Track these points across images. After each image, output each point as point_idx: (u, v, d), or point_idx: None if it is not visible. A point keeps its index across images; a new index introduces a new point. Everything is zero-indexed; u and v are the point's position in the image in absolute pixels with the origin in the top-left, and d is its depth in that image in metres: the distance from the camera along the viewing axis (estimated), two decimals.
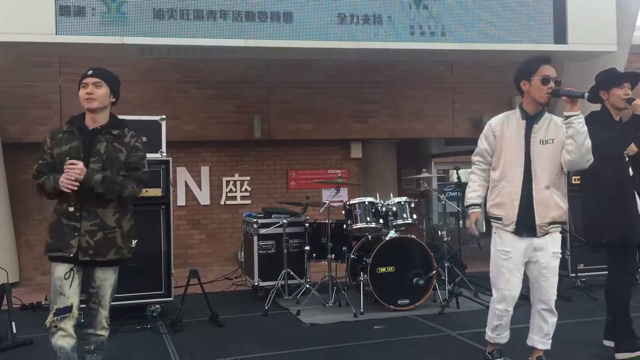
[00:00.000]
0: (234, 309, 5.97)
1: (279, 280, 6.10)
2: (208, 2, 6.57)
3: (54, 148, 3.31)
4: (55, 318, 3.18)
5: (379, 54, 7.46)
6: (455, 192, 11.99)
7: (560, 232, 3.77)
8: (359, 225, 5.86)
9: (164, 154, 5.68)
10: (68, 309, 3.20)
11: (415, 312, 5.60)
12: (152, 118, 5.77)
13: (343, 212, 6.13)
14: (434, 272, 5.76)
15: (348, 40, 6.87)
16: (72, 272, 3.23)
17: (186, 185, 8.75)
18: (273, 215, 6.61)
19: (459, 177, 6.88)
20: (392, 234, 5.84)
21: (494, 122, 3.81)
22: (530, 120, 3.70)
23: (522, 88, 3.77)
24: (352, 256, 6.06)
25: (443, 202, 6.63)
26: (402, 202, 5.99)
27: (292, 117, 8.70)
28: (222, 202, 8.88)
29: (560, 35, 7.28)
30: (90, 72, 3.38)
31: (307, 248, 6.18)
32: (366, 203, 5.91)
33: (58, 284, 3.20)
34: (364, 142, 9.22)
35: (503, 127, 3.74)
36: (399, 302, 5.66)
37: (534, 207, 3.60)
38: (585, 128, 3.52)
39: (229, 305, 6.10)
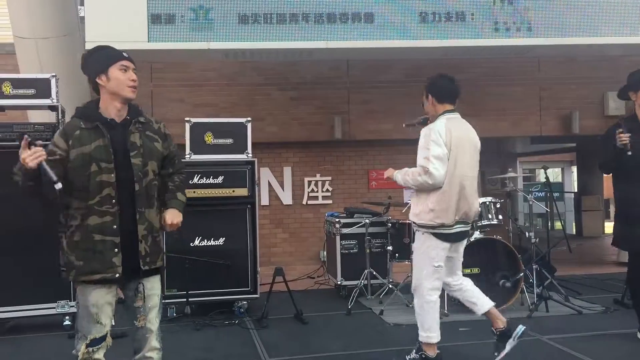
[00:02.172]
0: (318, 307, 6.05)
1: (362, 279, 6.12)
2: (290, 5, 6.68)
3: (72, 149, 2.69)
4: (90, 349, 2.73)
5: (462, 52, 7.32)
6: (543, 192, 11.58)
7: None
8: None
9: (250, 155, 5.83)
10: (103, 338, 2.77)
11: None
12: (238, 120, 5.92)
13: None
14: (522, 274, 5.59)
15: (429, 39, 6.79)
16: (113, 296, 2.79)
17: (269, 185, 8.95)
18: (355, 215, 6.64)
19: (547, 177, 6.64)
20: (477, 234, 5.72)
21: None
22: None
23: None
24: None
25: (530, 203, 6.39)
26: (487, 203, 5.85)
27: (373, 117, 8.70)
28: (304, 202, 9.01)
29: None
30: (126, 55, 2.84)
31: (389, 248, 6.17)
32: None
33: (94, 312, 2.72)
34: None
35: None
36: None
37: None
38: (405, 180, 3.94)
39: (312, 303, 6.18)
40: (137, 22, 6.50)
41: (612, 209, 22.97)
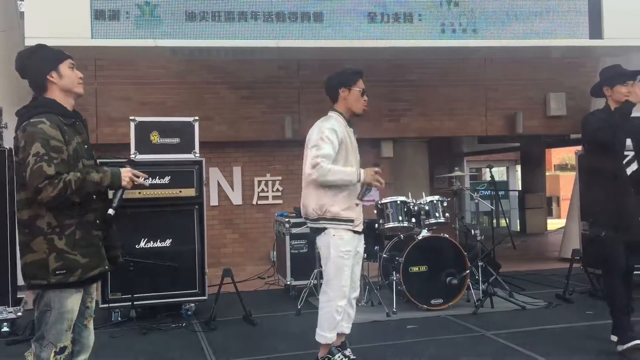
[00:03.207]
0: (267, 307, 6.01)
1: (312, 279, 6.11)
2: (239, 4, 6.61)
3: (68, 145, 2.70)
4: (59, 357, 2.67)
5: (410, 53, 7.41)
6: (489, 191, 11.87)
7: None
8: (391, 224, 5.83)
9: (197, 155, 5.74)
10: (67, 346, 2.72)
11: (449, 312, 5.55)
12: (185, 119, 5.84)
13: (375, 212, 6.10)
14: (468, 271, 5.70)
15: (379, 39, 6.84)
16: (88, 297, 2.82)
17: (219, 185, 8.85)
18: None
19: (492, 176, 6.80)
20: (424, 233, 5.80)
21: (338, 128, 3.84)
22: (350, 125, 3.97)
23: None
24: (384, 255, 6.04)
25: (476, 201, 6.54)
26: (435, 201, 5.94)
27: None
28: (254, 202, 8.95)
29: (596, 30, 7.12)
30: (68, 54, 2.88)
31: None
32: (398, 202, 5.88)
33: (69, 318, 2.68)
34: (395, 141, 9.18)
35: (344, 134, 3.85)
36: (432, 301, 5.62)
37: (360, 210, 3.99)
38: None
39: (262, 304, 6.14)
40: (79, 17, 6.30)
41: (553, 207, 23.71)
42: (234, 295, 5.53)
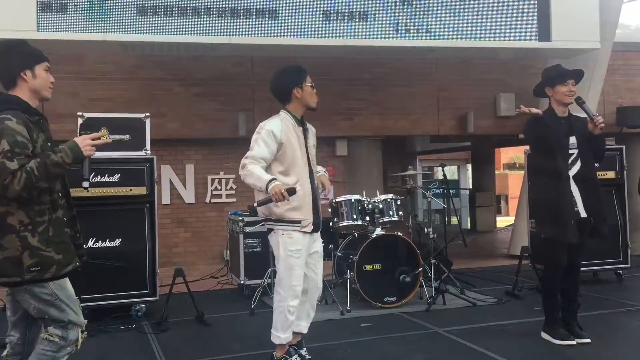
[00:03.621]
0: (220, 308, 5.93)
1: (265, 278, 6.06)
2: None
3: (35, 142, 2.70)
4: (84, 335, 2.85)
5: (365, 51, 7.44)
6: (441, 189, 12.05)
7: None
8: (346, 223, 5.84)
9: (149, 152, 5.62)
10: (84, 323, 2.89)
11: (402, 310, 5.60)
12: (136, 115, 5.70)
13: (329, 210, 6.10)
14: (421, 269, 5.76)
15: (333, 37, 6.84)
16: None
17: (171, 183, 8.68)
18: None
19: (444, 174, 6.89)
20: (378, 231, 5.84)
21: (280, 128, 3.82)
22: (302, 125, 3.94)
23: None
24: (338, 254, 6.05)
25: (428, 199, 6.62)
26: (389, 200, 5.98)
27: None
28: (207, 201, 8.83)
29: (544, 33, 7.32)
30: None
31: None
32: (352, 201, 5.89)
33: (75, 298, 2.83)
34: (349, 139, 9.20)
35: (287, 133, 3.83)
36: (386, 299, 5.66)
37: (318, 206, 3.96)
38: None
39: (215, 304, 6.06)
40: (24, 9, 6.10)
41: (502, 205, 24.25)
42: (186, 295, 5.44)
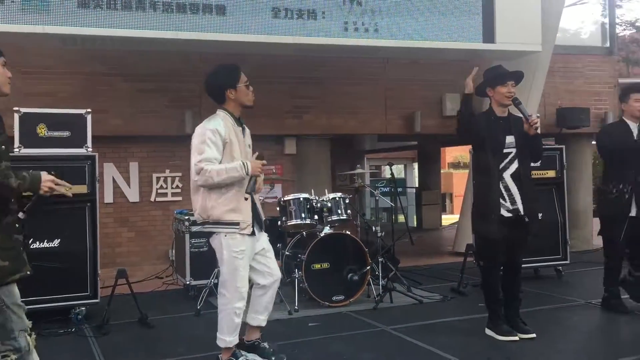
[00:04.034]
0: (165, 309, 5.80)
1: (212, 278, 5.95)
2: None
3: None
4: (31, 338, 2.80)
5: (314, 50, 7.42)
6: (388, 188, 12.17)
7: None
8: (294, 221, 5.81)
9: (90, 149, 5.44)
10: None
11: (350, 308, 5.61)
12: (76, 111, 5.52)
13: (277, 209, 6.06)
14: (368, 267, 5.78)
15: (282, 35, 6.79)
16: None
17: (114, 181, 8.42)
18: None
19: (392, 173, 6.95)
20: (326, 230, 5.83)
21: (222, 127, 3.81)
22: (240, 125, 3.93)
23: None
24: (286, 253, 6.00)
25: (376, 198, 6.67)
26: (337, 198, 5.99)
27: None
28: (152, 199, 8.61)
29: (489, 35, 7.48)
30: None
31: None
32: (301, 199, 5.87)
33: (22, 304, 2.81)
34: (298, 137, 9.17)
35: (229, 132, 3.82)
36: (334, 298, 5.66)
37: (257, 207, 3.96)
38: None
39: (159, 305, 5.92)
40: None
41: (447, 203, 24.69)
42: (129, 296, 5.29)
